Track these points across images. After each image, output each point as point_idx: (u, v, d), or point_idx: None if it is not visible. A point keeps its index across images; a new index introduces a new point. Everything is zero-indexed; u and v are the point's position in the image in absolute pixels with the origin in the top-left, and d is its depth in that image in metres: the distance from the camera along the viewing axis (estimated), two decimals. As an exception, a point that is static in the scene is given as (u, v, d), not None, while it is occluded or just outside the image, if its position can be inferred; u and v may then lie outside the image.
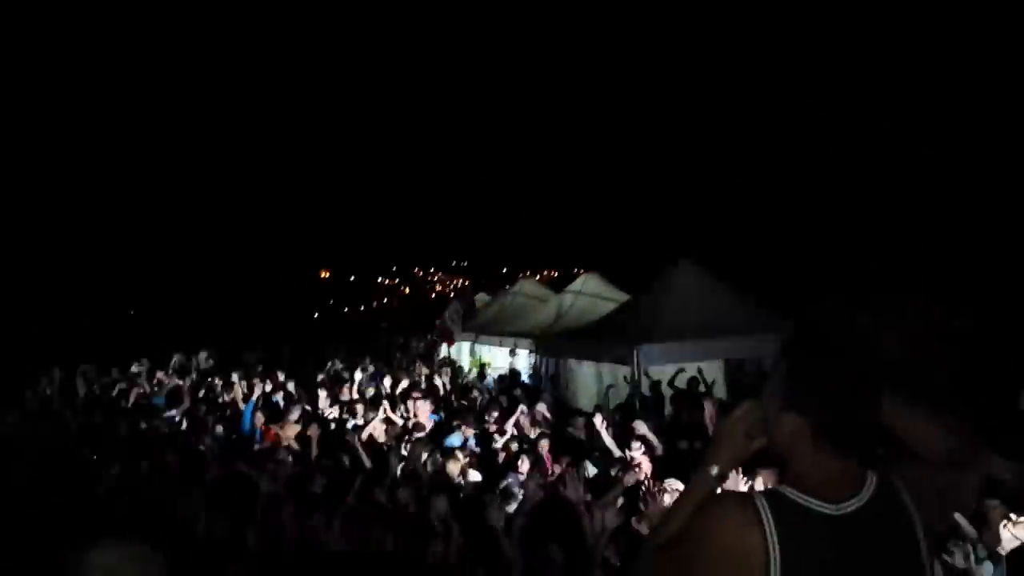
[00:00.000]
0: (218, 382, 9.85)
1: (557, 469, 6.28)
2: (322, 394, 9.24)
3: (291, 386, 9.72)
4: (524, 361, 12.05)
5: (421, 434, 7.47)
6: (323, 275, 53.38)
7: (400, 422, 8.09)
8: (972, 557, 3.75)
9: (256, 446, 7.62)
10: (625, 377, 9.60)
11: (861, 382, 1.54)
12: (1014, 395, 7.43)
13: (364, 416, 8.09)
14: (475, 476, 6.20)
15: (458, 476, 6.06)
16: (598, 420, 6.97)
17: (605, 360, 10.14)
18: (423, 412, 8.20)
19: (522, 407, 8.05)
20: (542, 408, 8.23)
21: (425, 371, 11.44)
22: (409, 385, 9.91)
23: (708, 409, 7.46)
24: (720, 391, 9.39)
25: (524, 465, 6.06)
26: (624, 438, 6.74)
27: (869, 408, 1.55)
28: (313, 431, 7.06)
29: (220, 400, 9.38)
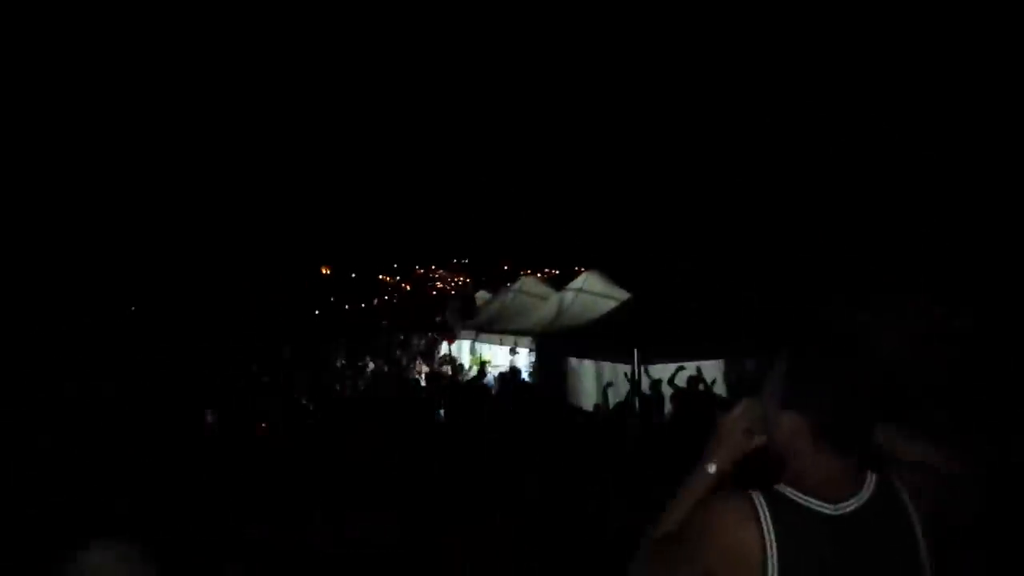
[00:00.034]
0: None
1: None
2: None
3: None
4: (524, 359, 12.05)
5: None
6: (324, 272, 53.35)
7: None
8: None
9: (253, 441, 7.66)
10: (625, 375, 9.61)
11: (861, 382, 1.54)
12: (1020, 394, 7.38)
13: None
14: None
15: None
16: None
17: (605, 358, 10.16)
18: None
19: None
20: None
21: (426, 368, 11.46)
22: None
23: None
24: (720, 390, 9.40)
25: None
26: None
27: (869, 408, 1.55)
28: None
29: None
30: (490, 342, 13.32)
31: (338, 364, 11.86)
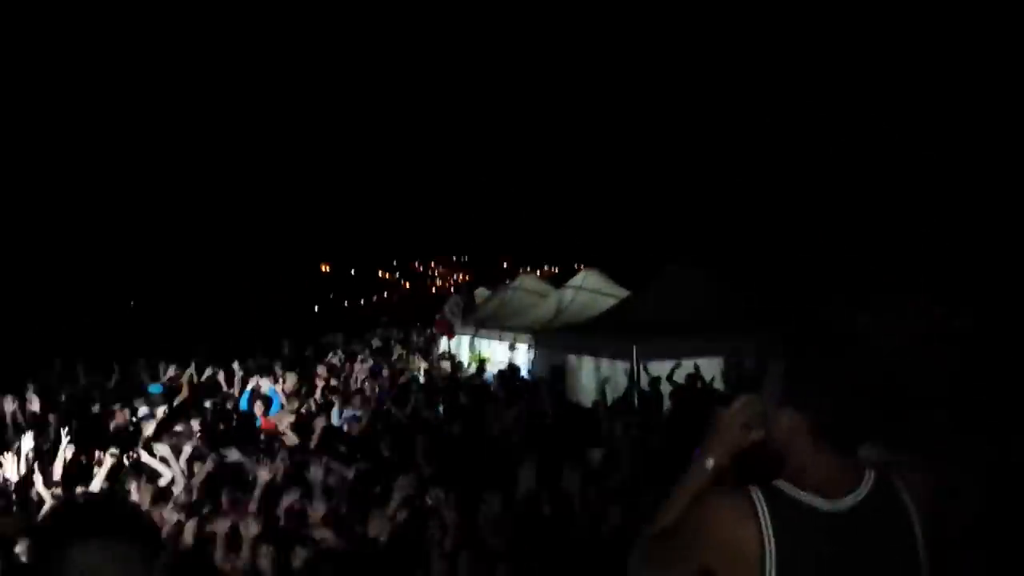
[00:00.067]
0: (221, 373, 9.85)
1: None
2: (320, 385, 9.26)
3: (290, 377, 9.73)
4: (523, 356, 12.04)
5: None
6: (323, 269, 53.39)
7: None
8: None
9: (254, 435, 7.64)
10: (624, 372, 9.61)
11: (860, 381, 1.53)
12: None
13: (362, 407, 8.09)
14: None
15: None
16: None
17: (604, 356, 10.16)
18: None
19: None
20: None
21: (424, 365, 11.45)
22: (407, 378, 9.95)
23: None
24: (719, 388, 9.39)
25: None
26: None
27: (868, 407, 1.54)
28: (318, 423, 7.05)
29: (220, 390, 9.39)
30: (489, 339, 13.31)
31: (336, 360, 11.84)
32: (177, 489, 5.43)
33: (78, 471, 6.05)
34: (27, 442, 6.11)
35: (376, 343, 14.55)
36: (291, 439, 7.14)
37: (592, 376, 10.57)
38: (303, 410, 8.21)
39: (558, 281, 15.19)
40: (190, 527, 4.51)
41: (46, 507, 5.15)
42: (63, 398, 8.94)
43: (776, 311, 10.26)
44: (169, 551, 4.28)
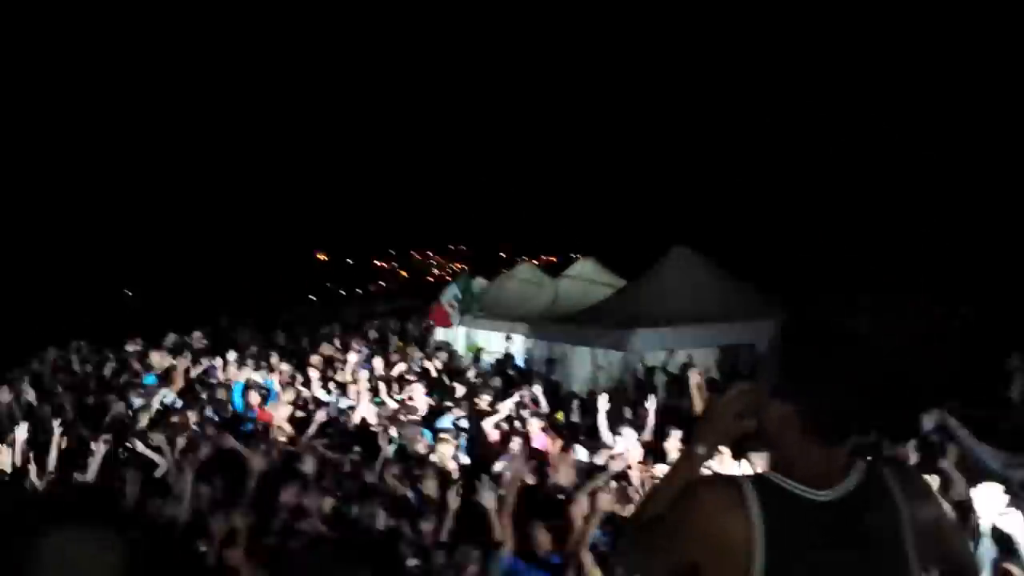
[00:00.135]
0: (216, 363, 9.84)
1: (553, 450, 6.33)
2: (315, 376, 9.25)
3: (285, 368, 9.72)
4: (519, 346, 12.06)
5: (414, 416, 7.51)
6: (320, 257, 53.30)
7: (394, 405, 8.11)
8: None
9: (249, 426, 7.65)
10: (620, 362, 9.64)
11: (853, 378, 1.53)
12: (1005, 385, 7.46)
13: (357, 398, 8.10)
14: (465, 459, 6.23)
15: (450, 458, 6.08)
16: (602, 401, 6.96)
17: (600, 345, 10.17)
18: (417, 395, 8.23)
19: (522, 393, 8.04)
20: (536, 391, 8.25)
21: (419, 355, 11.44)
22: (404, 369, 9.94)
23: (694, 379, 7.48)
24: (714, 377, 9.42)
25: (515, 447, 6.08)
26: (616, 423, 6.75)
27: (860, 404, 1.54)
28: (320, 416, 7.04)
29: (215, 381, 9.38)
30: (485, 329, 13.32)
31: (331, 351, 11.82)
32: (172, 479, 5.44)
33: (73, 462, 6.05)
34: (21, 433, 6.10)
35: (373, 334, 14.53)
36: (286, 430, 7.14)
37: (588, 366, 10.60)
38: (299, 401, 8.21)
39: (555, 270, 15.19)
40: (187, 518, 4.52)
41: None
42: (58, 388, 8.93)
43: (772, 303, 10.29)
44: (158, 541, 4.28)
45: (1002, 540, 3.77)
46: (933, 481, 4.32)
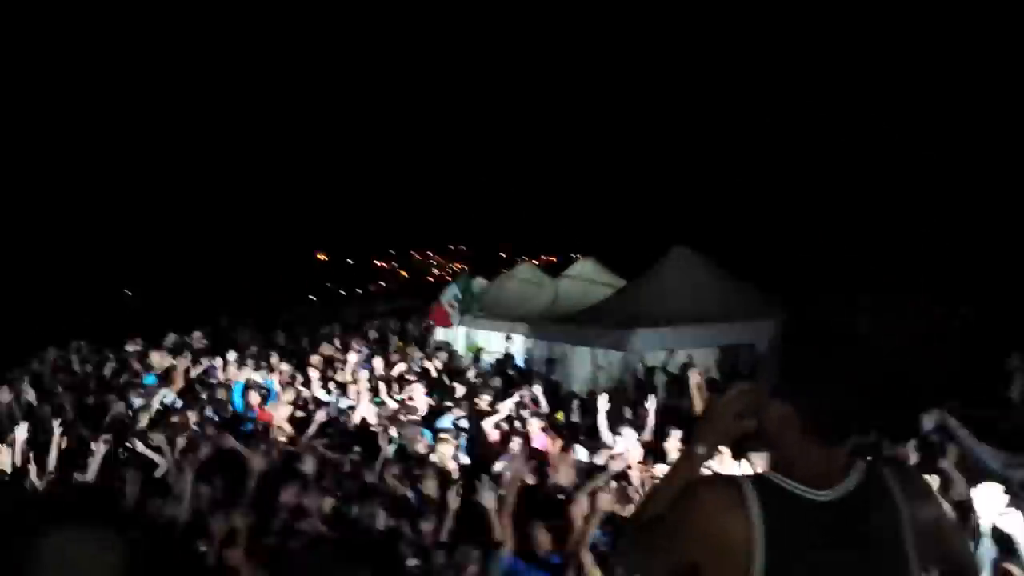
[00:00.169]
0: (216, 363, 9.84)
1: (553, 450, 6.33)
2: (315, 376, 9.25)
3: (285, 368, 9.72)
4: (519, 346, 12.06)
5: (414, 416, 7.51)
6: (320, 257, 53.29)
7: (394, 405, 8.11)
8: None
9: (249, 427, 7.65)
10: (620, 362, 9.64)
11: (853, 378, 1.53)
12: (1005, 385, 7.46)
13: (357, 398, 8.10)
14: (465, 459, 6.23)
15: (450, 458, 6.09)
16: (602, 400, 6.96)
17: (600, 345, 10.18)
18: (417, 395, 8.23)
19: (522, 393, 8.04)
20: (536, 391, 8.25)
21: (419, 355, 11.44)
22: (404, 368, 9.95)
23: (694, 379, 7.49)
24: (714, 377, 9.42)
25: (516, 447, 6.09)
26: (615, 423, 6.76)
27: (859, 404, 1.54)
28: (320, 416, 7.03)
29: (215, 381, 9.37)
30: (485, 329, 13.33)
31: (331, 351, 11.82)
32: (172, 479, 5.44)
33: (73, 462, 6.05)
34: (21, 433, 6.10)
35: (373, 334, 14.53)
36: (287, 430, 7.14)
37: (588, 366, 10.61)
38: (299, 401, 8.21)
39: (555, 270, 15.19)
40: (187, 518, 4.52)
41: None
42: (58, 388, 8.93)
43: (772, 303, 10.29)
44: (158, 541, 4.29)
45: (1002, 540, 3.77)
46: (933, 481, 4.32)
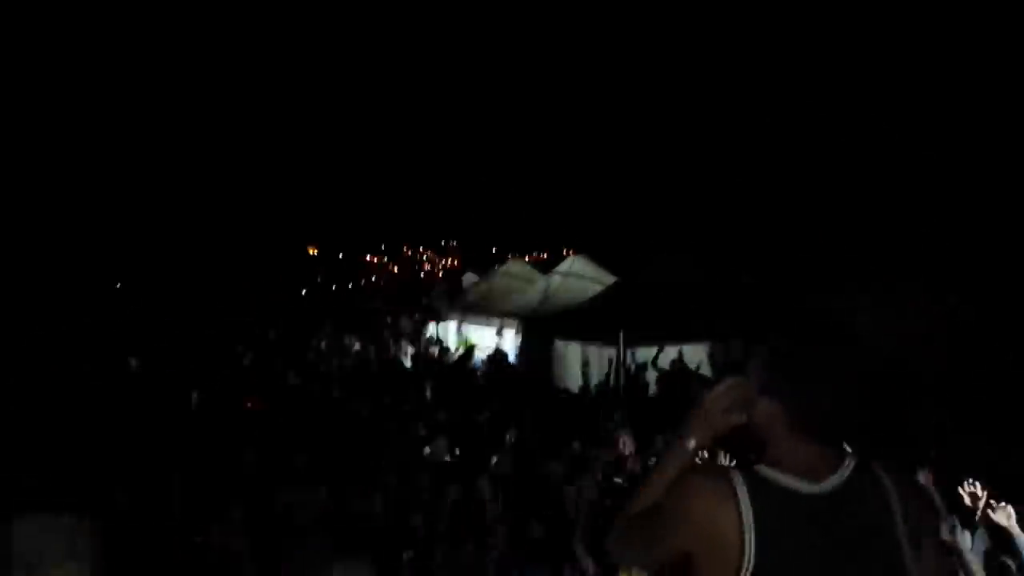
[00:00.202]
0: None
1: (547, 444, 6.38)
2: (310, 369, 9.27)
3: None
4: (511, 341, 12.10)
5: (410, 411, 7.56)
6: (310, 252, 52.99)
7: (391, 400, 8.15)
8: (957, 529, 3.82)
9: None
10: (610, 359, 9.70)
11: (841, 375, 1.54)
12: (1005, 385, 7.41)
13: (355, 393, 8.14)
14: (460, 453, 6.28)
15: (445, 452, 6.14)
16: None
17: (591, 341, 10.23)
18: (414, 389, 8.28)
19: (517, 388, 8.08)
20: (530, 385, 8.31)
21: (412, 350, 11.48)
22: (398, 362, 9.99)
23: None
24: (706, 373, 9.50)
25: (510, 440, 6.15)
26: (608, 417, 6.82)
27: (848, 401, 1.54)
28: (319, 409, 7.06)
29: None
30: (476, 324, 13.35)
31: (322, 346, 11.84)
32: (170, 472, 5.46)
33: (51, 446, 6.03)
34: None
35: (367, 328, 14.53)
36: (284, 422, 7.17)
37: (579, 361, 10.67)
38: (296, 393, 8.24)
39: (547, 267, 15.23)
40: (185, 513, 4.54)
41: None
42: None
43: (764, 299, 10.35)
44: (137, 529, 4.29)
45: (995, 532, 3.81)
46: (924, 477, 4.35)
